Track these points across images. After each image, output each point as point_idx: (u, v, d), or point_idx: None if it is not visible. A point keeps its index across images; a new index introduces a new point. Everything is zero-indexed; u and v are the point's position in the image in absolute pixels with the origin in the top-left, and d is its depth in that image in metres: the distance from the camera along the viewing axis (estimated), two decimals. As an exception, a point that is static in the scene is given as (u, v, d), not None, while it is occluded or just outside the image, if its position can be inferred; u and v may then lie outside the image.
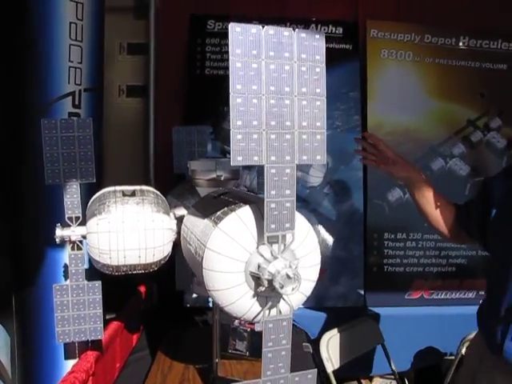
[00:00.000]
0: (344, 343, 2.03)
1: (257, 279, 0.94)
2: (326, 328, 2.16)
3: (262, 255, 0.94)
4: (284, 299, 0.96)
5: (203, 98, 2.45)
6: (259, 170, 1.80)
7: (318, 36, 1.00)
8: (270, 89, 0.94)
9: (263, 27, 0.94)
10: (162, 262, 1.27)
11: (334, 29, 2.52)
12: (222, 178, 1.46)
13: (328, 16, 2.51)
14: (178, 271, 1.73)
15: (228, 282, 0.95)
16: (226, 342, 1.71)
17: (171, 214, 1.29)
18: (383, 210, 2.46)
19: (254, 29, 0.90)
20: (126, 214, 1.20)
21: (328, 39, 2.36)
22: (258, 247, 0.95)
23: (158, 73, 2.48)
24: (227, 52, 2.37)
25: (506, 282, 1.19)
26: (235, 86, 0.85)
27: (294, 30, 0.99)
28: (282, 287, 0.94)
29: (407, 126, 2.48)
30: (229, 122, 2.42)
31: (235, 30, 0.85)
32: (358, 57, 2.52)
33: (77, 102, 1.63)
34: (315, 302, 2.34)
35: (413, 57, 2.50)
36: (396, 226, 2.45)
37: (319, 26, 2.51)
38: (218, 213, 1.01)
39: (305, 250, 1.01)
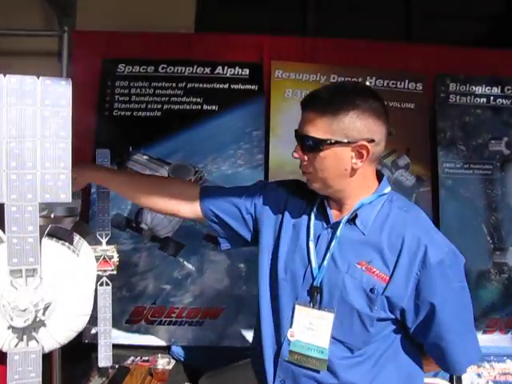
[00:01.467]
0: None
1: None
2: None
3: (15, 288, 1.02)
4: (34, 332, 1.04)
5: (111, 138, 2.56)
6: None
7: (63, 82, 1.08)
8: (12, 133, 1.03)
9: (5, 75, 1.04)
10: None
11: (240, 70, 2.62)
12: (52, 216, 1.54)
13: (235, 57, 2.61)
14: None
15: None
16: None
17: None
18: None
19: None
20: None
21: (234, 80, 2.53)
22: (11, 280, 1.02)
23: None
24: (136, 94, 2.49)
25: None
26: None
27: (38, 77, 1.07)
28: (11, 319, 1.00)
29: (311, 164, 2.52)
30: (134, 161, 2.50)
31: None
32: (263, 97, 2.60)
33: None
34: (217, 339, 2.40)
35: (318, 96, 2.57)
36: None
37: (225, 68, 2.61)
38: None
39: (65, 285, 1.08)
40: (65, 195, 1.05)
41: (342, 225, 1.19)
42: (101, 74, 2.62)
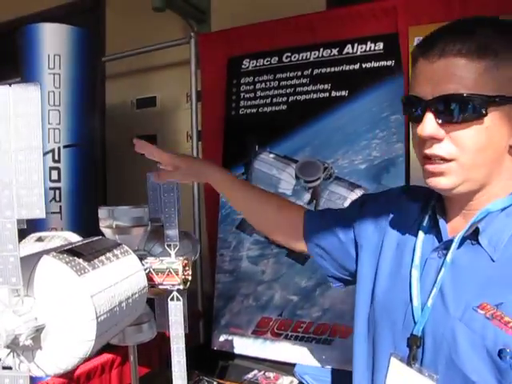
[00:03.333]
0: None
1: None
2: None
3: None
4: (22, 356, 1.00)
5: (238, 138, 2.50)
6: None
7: (32, 88, 1.01)
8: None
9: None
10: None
11: (372, 45, 2.25)
12: (114, 226, 1.51)
13: (365, 32, 2.26)
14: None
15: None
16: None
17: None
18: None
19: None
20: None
21: (366, 58, 2.22)
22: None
23: (204, 116, 2.66)
24: (261, 89, 2.45)
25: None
26: None
27: (10, 85, 1.03)
28: None
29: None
30: (260, 161, 2.47)
31: None
32: (401, 73, 2.18)
33: (56, 158, 1.92)
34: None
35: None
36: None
37: (355, 46, 2.28)
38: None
39: (62, 308, 1.02)
40: (39, 210, 0.97)
41: (454, 244, 0.81)
42: (227, 72, 2.59)
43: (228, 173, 1.34)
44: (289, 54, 2.43)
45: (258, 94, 2.48)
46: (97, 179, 2.30)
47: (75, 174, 2.03)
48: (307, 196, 2.28)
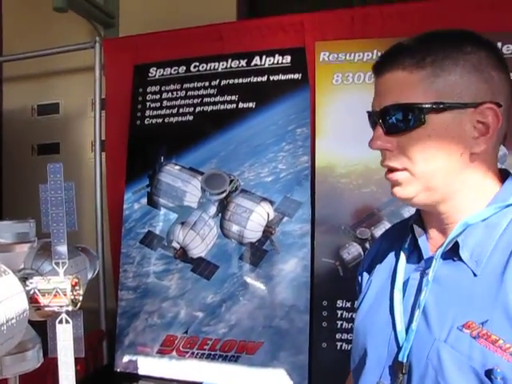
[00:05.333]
0: None
1: None
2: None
3: None
4: None
5: (143, 149, 2.43)
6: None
7: None
8: None
9: None
10: None
11: (280, 58, 2.27)
12: (-4, 244, 1.40)
13: (273, 45, 2.29)
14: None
15: None
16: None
17: None
18: (335, 271, 2.06)
19: None
20: None
21: (273, 71, 2.23)
22: None
23: (107, 125, 2.57)
24: (167, 99, 2.35)
25: None
26: None
27: None
28: None
29: (367, 164, 2.06)
30: (165, 173, 2.37)
31: None
32: (308, 87, 2.22)
33: None
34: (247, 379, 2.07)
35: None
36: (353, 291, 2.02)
37: (263, 58, 2.29)
38: None
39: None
40: None
41: (434, 262, 0.78)
42: (132, 81, 2.51)
43: None
44: (197, 64, 2.40)
45: (165, 103, 2.43)
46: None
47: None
48: (213, 209, 2.25)
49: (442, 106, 0.73)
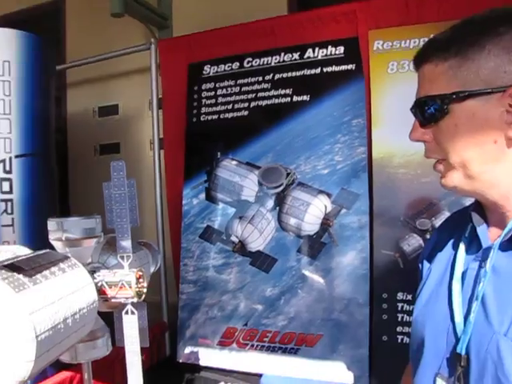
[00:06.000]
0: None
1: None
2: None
3: None
4: None
5: (200, 145, 2.49)
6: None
7: None
8: None
9: None
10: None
11: (333, 49, 2.26)
12: (63, 239, 1.48)
13: (326, 36, 2.28)
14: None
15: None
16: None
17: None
18: (396, 263, 2.03)
19: None
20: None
21: (326, 62, 2.23)
22: None
23: (165, 124, 2.65)
24: (222, 95, 2.42)
25: None
26: None
27: None
28: None
29: (425, 153, 2.02)
30: (222, 168, 2.43)
31: None
32: (362, 77, 2.20)
33: (8, 168, 1.88)
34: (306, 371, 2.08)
35: (431, 65, 2.07)
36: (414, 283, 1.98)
37: (316, 50, 2.29)
38: None
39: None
40: None
41: (492, 252, 0.75)
42: (187, 79, 2.57)
43: None
44: (250, 59, 2.43)
45: (220, 100, 2.47)
46: (54, 190, 2.24)
47: (29, 185, 1.96)
48: (270, 202, 2.28)
49: (462, 94, 0.71)
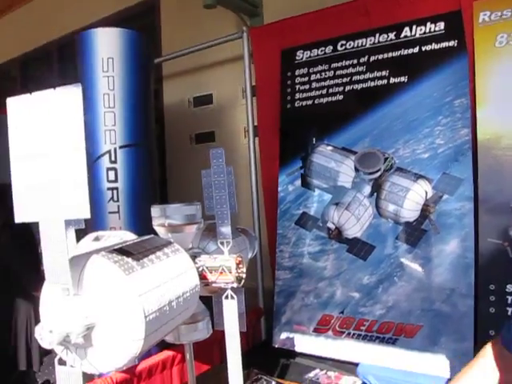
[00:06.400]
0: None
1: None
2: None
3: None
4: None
5: (295, 131, 2.49)
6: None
7: (74, 90, 1.01)
8: (34, 151, 1.02)
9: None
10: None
11: (432, 26, 2.14)
12: (166, 224, 1.54)
13: (425, 12, 2.16)
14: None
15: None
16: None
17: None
18: (504, 253, 1.90)
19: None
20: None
21: (425, 40, 2.14)
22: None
23: (259, 111, 2.67)
24: (316, 80, 2.44)
25: None
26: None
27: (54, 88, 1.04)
28: (41, 339, 1.03)
29: (539, 134, 1.87)
30: (318, 154, 2.45)
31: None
32: (466, 54, 2.06)
33: (113, 158, 2.01)
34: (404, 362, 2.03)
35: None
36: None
37: (413, 28, 2.18)
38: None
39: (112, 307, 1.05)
40: (84, 211, 0.99)
41: None
42: (280, 65, 2.57)
43: None
44: (343, 42, 2.37)
45: (314, 85, 2.45)
46: (155, 178, 2.36)
47: (132, 174, 2.10)
48: (368, 188, 2.23)
49: None
